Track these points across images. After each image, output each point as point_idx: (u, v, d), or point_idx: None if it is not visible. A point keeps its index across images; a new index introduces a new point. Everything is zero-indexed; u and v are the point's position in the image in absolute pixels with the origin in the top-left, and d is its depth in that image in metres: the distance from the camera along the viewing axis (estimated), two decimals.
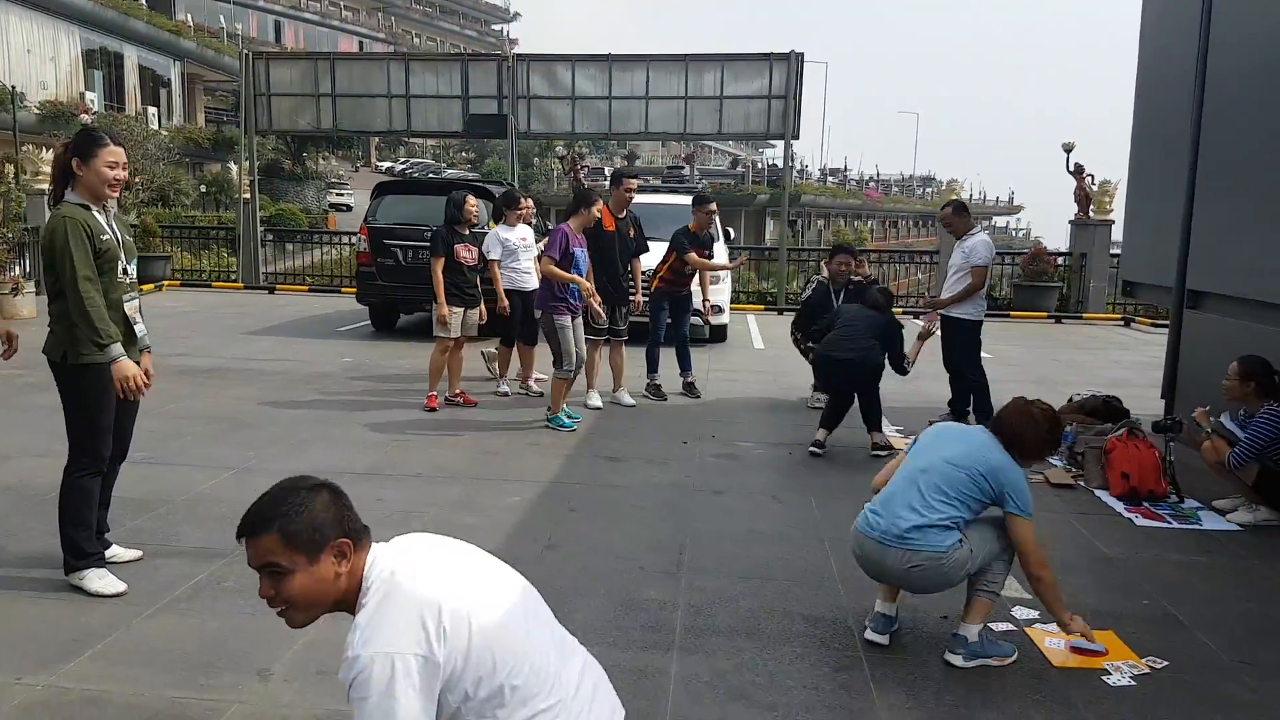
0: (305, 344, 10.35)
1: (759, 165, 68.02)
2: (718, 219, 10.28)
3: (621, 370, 7.64)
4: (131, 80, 39.80)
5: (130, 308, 3.85)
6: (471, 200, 7.14)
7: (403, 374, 8.56)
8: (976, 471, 3.30)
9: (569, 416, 6.78)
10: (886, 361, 6.36)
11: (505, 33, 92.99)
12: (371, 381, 8.30)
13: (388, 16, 78.34)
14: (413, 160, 64.92)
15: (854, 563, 3.58)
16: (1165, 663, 3.38)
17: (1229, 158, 6.23)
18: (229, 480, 5.28)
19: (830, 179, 70.95)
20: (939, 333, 7.17)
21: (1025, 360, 10.82)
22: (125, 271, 3.82)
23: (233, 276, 16.84)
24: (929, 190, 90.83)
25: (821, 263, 11.69)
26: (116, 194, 3.76)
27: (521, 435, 6.50)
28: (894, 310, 6.71)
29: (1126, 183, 7.84)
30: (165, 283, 15.90)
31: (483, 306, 7.31)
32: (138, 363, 3.83)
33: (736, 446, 6.37)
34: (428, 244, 7.62)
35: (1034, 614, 3.76)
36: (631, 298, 7.61)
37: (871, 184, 76.68)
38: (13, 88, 26.43)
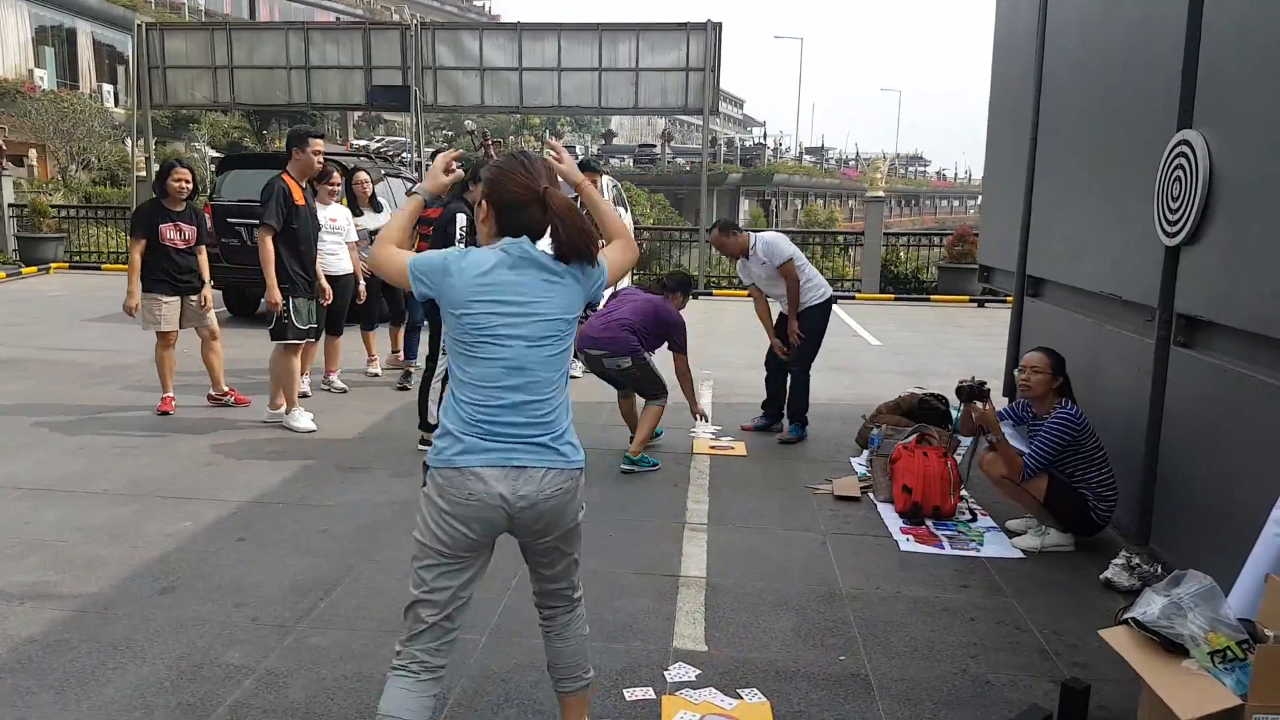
0: (142, 332, 9.62)
1: (749, 143, 67.02)
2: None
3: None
4: (86, 57, 38.77)
5: None
6: (179, 172, 6.26)
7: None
8: None
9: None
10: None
11: (487, 8, 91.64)
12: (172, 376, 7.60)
13: None
14: (389, 138, 63.68)
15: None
16: None
17: (1061, 130, 5.55)
18: None
19: (808, 158, 69.97)
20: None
21: (913, 347, 10.17)
22: None
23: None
24: (914, 170, 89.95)
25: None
26: None
27: (264, 442, 5.78)
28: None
29: (984, 158, 7.15)
30: (54, 265, 15.15)
31: (207, 292, 6.48)
32: None
33: None
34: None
35: (691, 674, 3.11)
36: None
37: (851, 163, 75.66)
38: None
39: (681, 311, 5.86)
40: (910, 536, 4.45)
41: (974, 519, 4.70)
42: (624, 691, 3.00)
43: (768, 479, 5.33)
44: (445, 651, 2.29)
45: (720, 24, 15.44)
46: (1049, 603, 3.75)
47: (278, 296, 5.87)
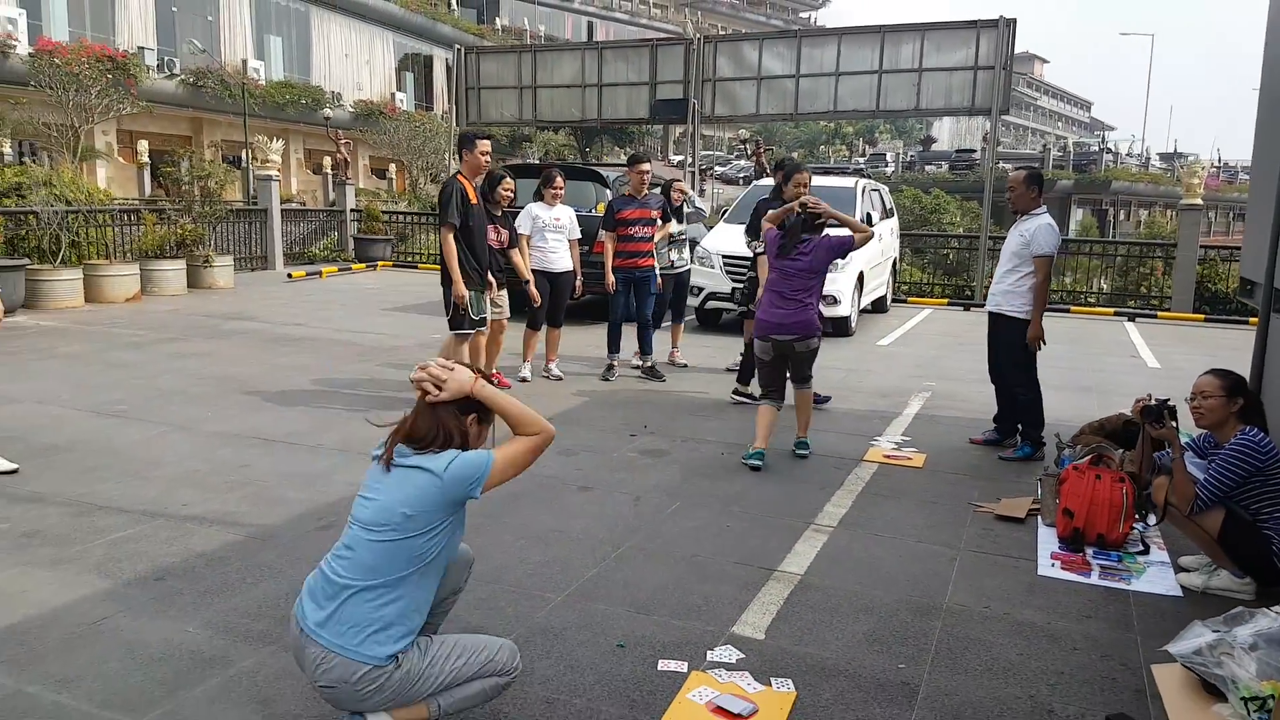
0: (422, 320, 10.88)
1: (1093, 148, 61.57)
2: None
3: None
4: (439, 82, 43.75)
5: None
6: (508, 183, 6.98)
7: None
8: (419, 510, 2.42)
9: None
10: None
11: (813, 20, 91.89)
12: (430, 356, 8.56)
13: (694, 11, 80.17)
14: (704, 153, 65.55)
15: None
16: None
17: None
18: (148, 433, 5.67)
19: (1158, 164, 62.89)
20: (986, 332, 6.14)
21: (1193, 373, 8.94)
22: None
23: None
24: None
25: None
26: None
27: None
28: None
29: (1251, 152, 6.20)
30: (380, 263, 17.41)
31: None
32: None
33: (680, 444, 5.84)
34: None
35: (733, 656, 3.10)
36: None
37: (1213, 170, 66.92)
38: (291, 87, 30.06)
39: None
40: (1057, 562, 4.05)
41: (1145, 551, 4.17)
42: (658, 661, 3.07)
43: (930, 492, 5.05)
44: None
45: (1014, 20, 14.56)
46: None
47: (464, 290, 6.33)
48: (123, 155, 26.49)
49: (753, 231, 8.09)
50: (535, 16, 58.43)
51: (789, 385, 5.64)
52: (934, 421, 6.64)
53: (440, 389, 2.45)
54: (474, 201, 6.45)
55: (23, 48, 22.37)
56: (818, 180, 12.99)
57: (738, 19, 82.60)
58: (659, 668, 3.04)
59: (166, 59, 27.51)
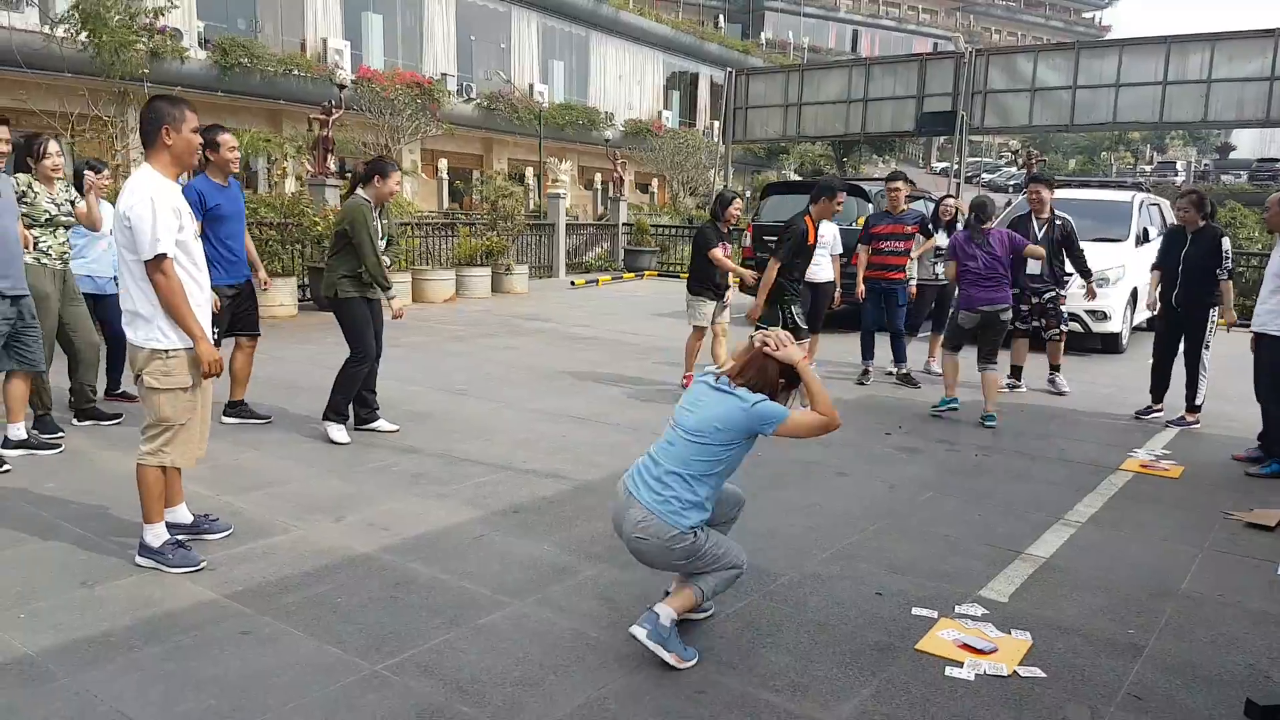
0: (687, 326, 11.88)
1: None
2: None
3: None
4: (703, 98, 45.42)
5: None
6: (737, 202, 7.69)
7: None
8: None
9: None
10: None
11: (1098, 20, 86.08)
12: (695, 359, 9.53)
13: (966, 15, 77.61)
14: (968, 159, 63.16)
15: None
16: (1043, 675, 3.21)
17: None
18: (485, 408, 6.97)
19: None
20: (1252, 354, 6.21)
21: None
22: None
23: None
24: None
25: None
26: (392, 199, 5.76)
27: None
28: None
29: None
30: (646, 273, 18.81)
31: (728, 296, 7.88)
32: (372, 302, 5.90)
33: (934, 444, 6.35)
34: None
35: (978, 611, 3.70)
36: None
37: None
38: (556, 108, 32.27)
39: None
40: None
41: None
42: (912, 608, 3.72)
43: (1184, 500, 5.28)
44: None
45: None
46: None
47: (757, 315, 7.17)
48: (425, 172, 29.88)
49: None
50: (800, 29, 59.06)
51: (980, 373, 7.04)
52: (1198, 438, 6.72)
53: (778, 349, 3.28)
54: (810, 243, 7.20)
55: (346, 75, 25.90)
56: (1089, 194, 12.81)
57: (1013, 21, 78.98)
58: (912, 612, 3.68)
59: (465, 84, 30.69)
